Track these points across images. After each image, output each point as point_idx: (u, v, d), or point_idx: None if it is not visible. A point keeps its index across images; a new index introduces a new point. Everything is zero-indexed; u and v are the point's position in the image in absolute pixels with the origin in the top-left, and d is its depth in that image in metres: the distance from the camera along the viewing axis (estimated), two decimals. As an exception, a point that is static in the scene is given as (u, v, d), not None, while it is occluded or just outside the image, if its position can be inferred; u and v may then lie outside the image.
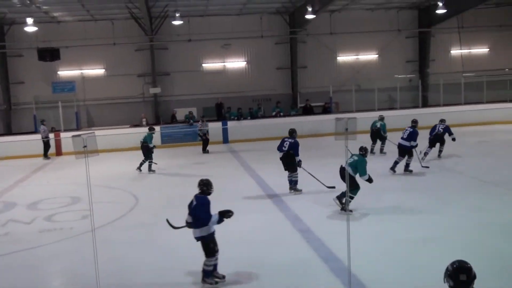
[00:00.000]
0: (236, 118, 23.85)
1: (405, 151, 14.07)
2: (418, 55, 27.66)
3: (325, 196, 11.59)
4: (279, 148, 12.35)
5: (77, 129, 22.66)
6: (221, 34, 25.25)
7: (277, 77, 26.56)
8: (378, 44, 26.91)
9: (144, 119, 24.33)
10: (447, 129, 15.82)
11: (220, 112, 24.79)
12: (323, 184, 12.38)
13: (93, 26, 24.83)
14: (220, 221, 7.07)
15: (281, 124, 22.83)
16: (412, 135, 13.95)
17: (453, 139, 15.69)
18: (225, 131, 22.91)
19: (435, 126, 16.28)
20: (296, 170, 12.37)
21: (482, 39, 27.71)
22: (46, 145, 20.99)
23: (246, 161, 17.87)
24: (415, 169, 14.45)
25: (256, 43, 26.00)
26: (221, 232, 7.37)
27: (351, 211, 9.87)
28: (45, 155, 20.92)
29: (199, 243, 7.20)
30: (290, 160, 12.24)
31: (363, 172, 10.28)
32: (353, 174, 10.18)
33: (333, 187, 11.84)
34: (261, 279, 7.41)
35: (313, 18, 22.86)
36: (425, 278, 7.17)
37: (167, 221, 7.75)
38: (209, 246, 7.09)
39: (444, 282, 4.15)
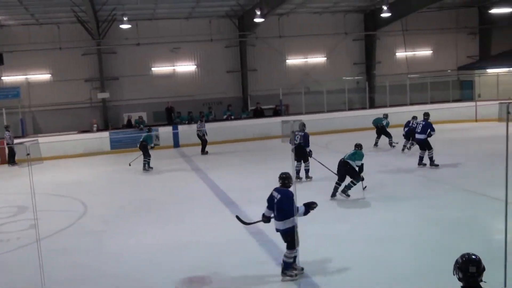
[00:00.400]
0: (186, 122, 23.76)
1: (423, 144, 14.77)
2: (364, 57, 28.24)
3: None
4: (291, 142, 13.04)
5: (23, 136, 22.05)
6: (170, 38, 25.09)
7: (227, 81, 26.61)
8: (326, 47, 27.36)
9: (95, 125, 23.94)
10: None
11: (171, 117, 24.65)
12: (333, 172, 12.58)
13: (38, 30, 24.22)
14: (306, 212, 7.25)
15: (232, 127, 22.97)
16: (426, 127, 14.68)
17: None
18: (175, 136, 22.76)
19: (408, 122, 17.13)
20: (308, 160, 13.78)
21: (426, 41, 28.56)
22: (11, 152, 20.35)
23: (198, 165, 17.82)
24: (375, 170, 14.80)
25: (206, 46, 25.99)
26: (173, 236, 7.36)
27: (348, 195, 11.53)
28: (10, 161, 20.31)
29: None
30: (302, 151, 13.63)
31: (359, 159, 11.63)
32: (354, 166, 11.55)
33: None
34: (214, 283, 7.44)
35: (262, 22, 23.03)
36: (380, 275, 7.36)
37: (237, 217, 8.12)
38: (293, 237, 7.20)
39: (454, 275, 4.25)
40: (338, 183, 11.77)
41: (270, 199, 7.52)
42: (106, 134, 22.51)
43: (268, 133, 22.18)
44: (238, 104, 26.30)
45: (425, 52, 28.75)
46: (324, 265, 7.86)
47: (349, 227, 9.70)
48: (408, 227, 9.58)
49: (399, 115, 23.54)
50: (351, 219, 10.33)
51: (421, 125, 14.94)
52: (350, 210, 11.05)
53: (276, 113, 25.35)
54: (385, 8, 22.68)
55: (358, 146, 12.06)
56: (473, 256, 4.19)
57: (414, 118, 17.08)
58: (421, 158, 14.86)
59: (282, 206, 7.27)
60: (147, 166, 17.23)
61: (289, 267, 7.34)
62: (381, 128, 19.06)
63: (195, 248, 8.99)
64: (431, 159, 14.72)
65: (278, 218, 7.36)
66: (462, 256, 4.22)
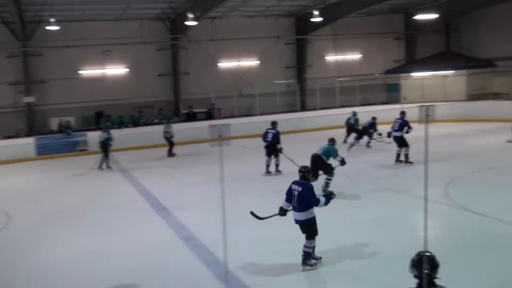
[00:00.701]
0: (117, 126, 23.30)
1: (400, 141, 15.36)
2: (296, 61, 28.67)
3: (208, 203, 11.66)
4: (264, 139, 14.91)
5: None
6: (100, 40, 24.50)
7: (159, 84, 26.29)
8: (258, 50, 27.56)
9: (22, 130, 23.06)
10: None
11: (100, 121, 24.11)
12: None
13: (-42, 31, 23.10)
14: (327, 202, 7.69)
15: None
16: (403, 125, 15.33)
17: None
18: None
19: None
20: (278, 155, 14.93)
21: (355, 46, 29.30)
22: None
23: (128, 170, 17.52)
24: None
25: (137, 49, 25.55)
26: (101, 244, 7.22)
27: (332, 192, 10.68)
28: None
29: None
30: (273, 148, 14.87)
31: (336, 155, 12.14)
32: (326, 160, 12.10)
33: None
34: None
35: (195, 25, 22.97)
36: (303, 277, 7.49)
37: (252, 213, 8.38)
38: (313, 228, 7.70)
39: (409, 272, 4.32)
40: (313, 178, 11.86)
41: (289, 192, 7.92)
42: (31, 140, 21.72)
43: (200, 137, 22.05)
44: (170, 107, 26.07)
45: (354, 56, 29.51)
46: (253, 267, 7.93)
47: (278, 228, 9.80)
48: (332, 227, 9.79)
49: (329, 117, 24.20)
50: (279, 220, 10.43)
51: (398, 123, 15.68)
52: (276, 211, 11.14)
53: (209, 116, 25.32)
54: (316, 13, 23.19)
55: (332, 141, 12.70)
56: (428, 253, 4.27)
57: (403, 114, 17.21)
58: (398, 155, 15.50)
59: (303, 198, 7.67)
60: (105, 165, 17.68)
61: (309, 257, 7.74)
62: (350, 127, 20.00)
63: (123, 256, 8.85)
64: (406, 156, 15.32)
65: (299, 209, 7.73)
66: (417, 254, 4.30)
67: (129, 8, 23.13)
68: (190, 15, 21.81)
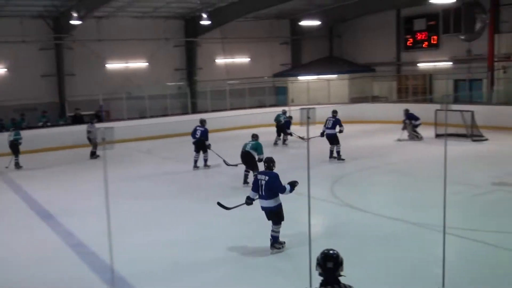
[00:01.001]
0: (-4, 130, 21.95)
1: (332, 139, 15.95)
2: (186, 63, 28.62)
3: (98, 208, 11.37)
4: (192, 135, 15.83)
5: None
6: (-26, 38, 22.95)
7: (42, 85, 25.04)
8: (147, 52, 27.17)
9: None
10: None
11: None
12: (226, 163, 14.80)
13: None
14: (291, 190, 8.36)
15: (49, 135, 21.75)
16: (336, 123, 15.93)
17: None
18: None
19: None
20: (207, 151, 15.89)
21: (243, 49, 29.81)
22: None
23: (11, 177, 16.58)
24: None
25: (17, 48, 24.14)
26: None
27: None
28: None
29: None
30: (202, 144, 15.72)
31: (261, 152, 12.97)
32: (255, 155, 13.02)
33: (236, 165, 14.15)
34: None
35: (80, 24, 22.22)
36: (197, 276, 7.57)
37: (219, 203, 9.21)
38: (280, 214, 8.49)
39: (316, 270, 4.37)
40: (247, 171, 13.33)
41: (255, 182, 8.68)
42: None
43: (85, 141, 21.35)
44: (55, 110, 24.96)
45: (243, 60, 30.02)
46: (140, 272, 7.88)
47: (165, 232, 9.83)
48: (222, 228, 9.97)
49: (219, 119, 24.43)
50: (166, 223, 10.46)
51: (331, 121, 16.23)
52: (166, 215, 11.15)
53: (97, 119, 24.59)
54: (204, 16, 23.34)
55: (255, 137, 13.53)
56: (331, 252, 4.35)
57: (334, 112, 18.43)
58: (331, 152, 16.15)
59: (271, 186, 8.38)
60: (18, 165, 17.54)
61: (277, 241, 8.50)
62: (280, 126, 20.20)
63: (4, 267, 8.40)
64: (338, 153, 16.10)
65: (268, 197, 8.46)
66: (321, 252, 4.35)
67: (7, 5, 21.86)
68: (75, 14, 21.07)
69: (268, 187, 8.41)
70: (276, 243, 8.52)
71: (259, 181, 8.57)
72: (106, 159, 5.17)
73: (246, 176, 13.33)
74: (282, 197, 8.46)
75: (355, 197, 11.87)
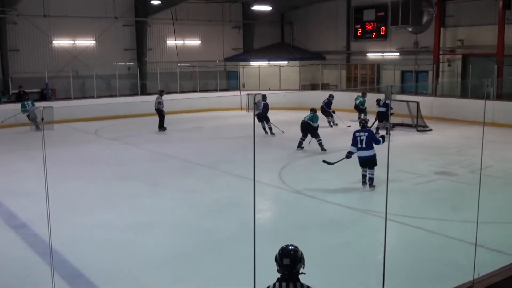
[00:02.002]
0: None
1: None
2: (135, 43, 28.14)
3: (38, 190, 11.13)
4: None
5: None
6: None
7: (-16, 61, 24.17)
8: (95, 30, 26.53)
9: None
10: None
11: None
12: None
13: None
14: (383, 141, 11.09)
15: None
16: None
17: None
18: None
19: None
20: (269, 121, 18.80)
21: (195, 32, 29.57)
22: None
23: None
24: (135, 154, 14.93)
25: (-43, 21, 23.19)
26: None
27: (325, 149, 15.28)
28: None
29: None
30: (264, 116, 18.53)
31: (316, 121, 15.62)
32: (313, 125, 15.45)
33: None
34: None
35: (24, -2, 21.47)
36: (142, 262, 7.58)
37: (324, 161, 12.05)
38: (375, 160, 10.98)
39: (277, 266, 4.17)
40: (302, 138, 15.85)
41: (355, 138, 11.17)
42: None
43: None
44: (-3, 86, 24.15)
45: (194, 42, 29.78)
46: (88, 253, 7.83)
47: (115, 215, 9.77)
48: (170, 212, 10.00)
49: (170, 102, 24.20)
50: (117, 205, 10.38)
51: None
52: (115, 197, 11.06)
53: (43, 97, 23.94)
54: (154, -5, 22.98)
55: (314, 110, 15.99)
56: (290, 247, 4.11)
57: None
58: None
59: (370, 140, 10.99)
60: None
61: (373, 181, 11.04)
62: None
63: None
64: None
65: (367, 148, 11.00)
66: (280, 248, 4.10)
67: None
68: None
69: (368, 140, 10.96)
70: (373, 183, 11.04)
71: (359, 137, 11.07)
72: (44, 139, 4.99)
73: (300, 142, 15.93)
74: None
75: (302, 183, 12.08)
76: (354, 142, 11.20)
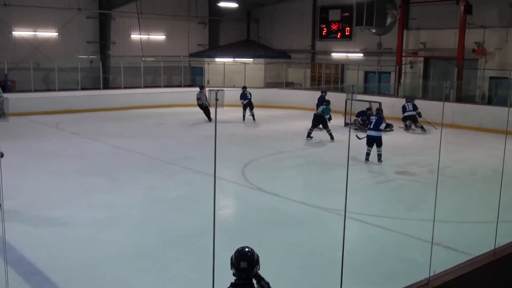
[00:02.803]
0: None
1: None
2: (99, 36, 27.67)
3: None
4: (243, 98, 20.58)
5: None
6: None
7: None
8: (58, 22, 25.95)
9: None
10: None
11: None
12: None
13: None
14: (386, 127, 14.83)
15: None
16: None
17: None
18: None
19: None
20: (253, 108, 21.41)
21: (160, 26, 29.24)
22: None
23: None
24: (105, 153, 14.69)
25: None
26: None
27: (333, 138, 17.09)
28: None
29: None
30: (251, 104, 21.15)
31: (328, 113, 17.44)
32: (324, 116, 17.25)
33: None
34: None
35: (-16, -13, 20.87)
36: (103, 258, 7.49)
37: (356, 136, 14.17)
38: (381, 140, 13.89)
39: (231, 269, 4.08)
40: (311, 129, 17.40)
41: (369, 122, 14.05)
42: None
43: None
44: (-47, 76, 23.41)
45: (159, 37, 29.47)
46: (46, 250, 7.69)
47: (74, 210, 9.61)
48: (131, 208, 9.90)
49: (133, 96, 24.01)
50: (77, 200, 10.22)
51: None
52: (75, 192, 10.88)
53: (2, 89, 23.30)
54: (119, -12, 22.66)
55: (327, 102, 17.72)
56: (246, 250, 4.02)
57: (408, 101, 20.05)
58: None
59: (378, 123, 13.75)
60: None
61: (381, 157, 13.83)
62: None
63: None
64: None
65: (375, 129, 13.70)
66: (235, 251, 4.01)
67: None
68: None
69: (376, 123, 13.70)
70: (381, 158, 13.79)
71: (371, 119, 14.04)
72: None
73: (309, 133, 17.46)
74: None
75: (264, 180, 12.12)
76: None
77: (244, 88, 22.01)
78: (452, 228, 8.74)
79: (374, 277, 6.93)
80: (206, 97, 21.10)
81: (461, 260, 6.14)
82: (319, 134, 17.89)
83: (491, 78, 22.33)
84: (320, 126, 17.61)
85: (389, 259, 7.69)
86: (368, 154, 13.84)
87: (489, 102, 22.01)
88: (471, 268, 5.94)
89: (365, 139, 13.90)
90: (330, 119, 17.65)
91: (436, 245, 5.64)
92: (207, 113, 21.17)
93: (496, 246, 6.33)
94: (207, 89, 22.28)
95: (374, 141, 13.78)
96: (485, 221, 7.35)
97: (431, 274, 5.46)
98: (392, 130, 18.62)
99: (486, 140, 17.73)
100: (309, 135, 17.45)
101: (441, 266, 5.68)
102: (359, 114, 19.55)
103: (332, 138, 17.14)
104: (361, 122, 19.19)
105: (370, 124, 13.96)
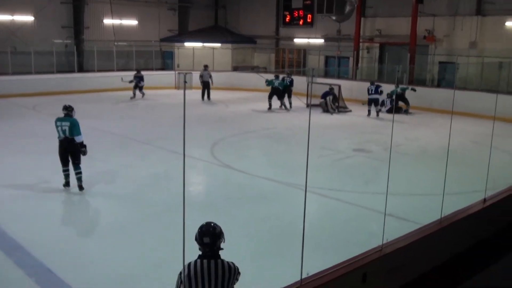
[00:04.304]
0: None
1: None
2: (73, 21, 27.00)
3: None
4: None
5: None
6: None
7: None
8: (33, 6, 25.19)
9: None
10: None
11: None
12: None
13: None
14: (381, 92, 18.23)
15: None
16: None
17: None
18: None
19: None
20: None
21: (132, 12, 28.64)
22: None
23: None
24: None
25: None
26: None
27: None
28: None
29: None
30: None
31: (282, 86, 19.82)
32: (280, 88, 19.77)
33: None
34: None
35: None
36: (80, 233, 7.46)
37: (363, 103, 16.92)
38: (379, 99, 18.72)
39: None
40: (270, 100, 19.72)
41: (368, 89, 17.85)
42: None
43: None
44: None
45: (131, 22, 28.90)
46: (25, 225, 7.62)
47: (51, 188, 9.50)
48: (106, 185, 9.84)
49: (106, 78, 23.70)
50: (53, 178, 10.09)
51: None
52: (51, 170, 10.74)
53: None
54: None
55: (278, 77, 19.99)
56: (209, 225, 3.96)
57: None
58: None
59: (376, 89, 17.90)
60: None
61: (378, 113, 18.28)
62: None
63: None
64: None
65: (375, 93, 18.11)
66: (199, 227, 3.93)
67: None
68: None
69: (375, 90, 17.82)
70: (378, 114, 18.27)
71: (369, 88, 18.33)
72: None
73: (270, 105, 19.77)
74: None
75: (232, 158, 12.18)
76: (368, 91, 18.65)
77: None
78: (403, 200, 8.98)
79: (334, 246, 7.09)
80: (210, 75, 22.38)
81: (412, 229, 6.36)
82: (284, 116, 17.97)
83: (440, 62, 22.76)
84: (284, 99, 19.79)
85: (347, 229, 7.87)
86: (370, 112, 18.74)
87: (438, 85, 22.47)
88: (420, 236, 6.17)
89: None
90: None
91: (389, 216, 5.80)
92: (208, 91, 22.44)
93: (442, 216, 6.58)
94: (176, 72, 22.35)
95: (374, 101, 18.62)
96: (432, 193, 7.58)
97: (384, 242, 5.65)
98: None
99: (435, 120, 18.14)
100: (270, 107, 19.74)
101: (393, 235, 5.88)
102: (324, 95, 19.74)
103: (286, 107, 19.77)
104: (327, 103, 19.54)
105: (370, 91, 18.60)
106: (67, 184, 9.13)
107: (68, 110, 8.96)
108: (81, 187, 9.04)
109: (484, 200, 7.42)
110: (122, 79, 19.61)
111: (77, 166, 9.02)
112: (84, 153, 9.06)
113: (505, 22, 20.78)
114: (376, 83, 19.22)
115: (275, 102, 20.05)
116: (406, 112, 19.43)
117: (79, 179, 9.03)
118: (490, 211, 7.31)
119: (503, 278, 6.07)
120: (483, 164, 7.73)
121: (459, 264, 6.48)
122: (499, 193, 7.84)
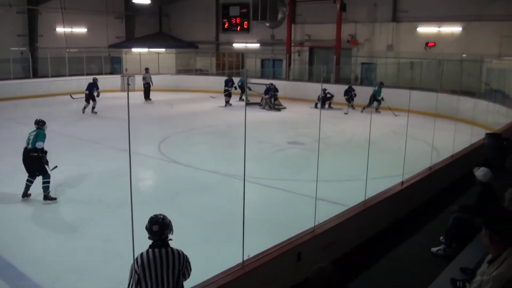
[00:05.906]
0: None
1: None
2: (28, 30, 25.73)
3: None
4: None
5: None
6: None
7: None
8: (-12, 16, 23.84)
9: None
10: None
11: None
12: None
13: None
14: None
15: None
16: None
17: None
18: None
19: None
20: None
21: (82, 20, 27.60)
22: None
23: None
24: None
25: None
26: None
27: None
28: None
29: None
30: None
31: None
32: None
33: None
34: None
35: None
36: (41, 229, 7.13)
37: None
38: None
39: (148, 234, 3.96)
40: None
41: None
42: None
43: None
44: None
45: (81, 30, 27.88)
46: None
47: (10, 189, 9.03)
48: (60, 184, 9.47)
49: (60, 83, 22.84)
50: (12, 180, 9.59)
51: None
52: (9, 172, 10.20)
53: None
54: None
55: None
56: (158, 215, 3.96)
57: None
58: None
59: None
60: None
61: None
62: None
63: None
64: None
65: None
66: (150, 217, 3.93)
67: None
68: None
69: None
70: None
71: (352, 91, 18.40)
72: None
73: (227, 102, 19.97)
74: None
75: (178, 154, 12.00)
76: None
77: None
78: (333, 186, 9.12)
79: (272, 229, 7.10)
80: (150, 77, 22.08)
81: (340, 211, 6.47)
82: (224, 113, 17.87)
83: (362, 63, 23.36)
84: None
85: (284, 214, 7.92)
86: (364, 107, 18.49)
87: (361, 83, 23.05)
88: (347, 216, 6.28)
89: None
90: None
91: (320, 200, 5.86)
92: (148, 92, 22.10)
93: (366, 198, 6.73)
94: (120, 75, 21.97)
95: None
96: (357, 179, 7.74)
97: (316, 223, 5.72)
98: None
99: (359, 115, 18.59)
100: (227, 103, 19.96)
101: (324, 217, 5.95)
102: (266, 91, 19.89)
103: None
104: (275, 99, 19.96)
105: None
106: (24, 194, 8.39)
107: (39, 124, 8.80)
108: (45, 197, 8.27)
109: (402, 182, 7.64)
110: (71, 96, 18.73)
111: (44, 175, 8.37)
112: (42, 159, 8.47)
113: (416, 27, 21.57)
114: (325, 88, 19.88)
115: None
116: (376, 110, 18.92)
117: (44, 189, 8.32)
118: (407, 192, 7.54)
119: (420, 249, 6.28)
120: (401, 151, 7.96)
121: (382, 239, 6.64)
122: (414, 176, 8.10)
